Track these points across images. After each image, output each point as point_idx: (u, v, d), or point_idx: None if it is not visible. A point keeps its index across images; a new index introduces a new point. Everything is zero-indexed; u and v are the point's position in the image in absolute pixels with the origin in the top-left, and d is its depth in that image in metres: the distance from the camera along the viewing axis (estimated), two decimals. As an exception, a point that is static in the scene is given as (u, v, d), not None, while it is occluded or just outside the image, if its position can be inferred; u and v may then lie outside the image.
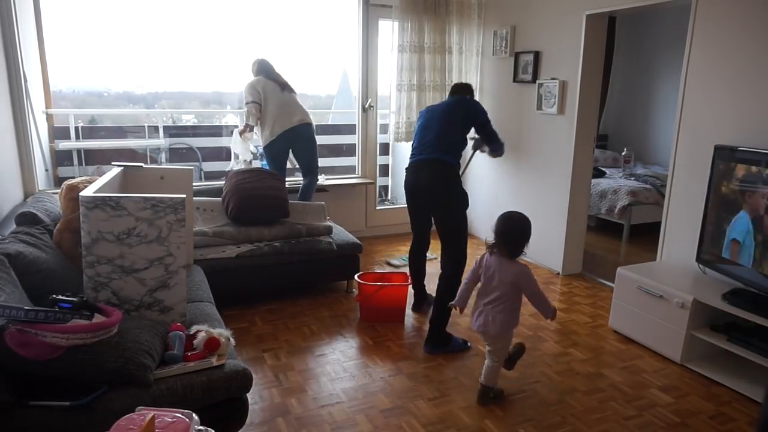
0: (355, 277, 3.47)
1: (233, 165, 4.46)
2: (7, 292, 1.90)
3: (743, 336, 2.67)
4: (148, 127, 5.03)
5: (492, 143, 3.34)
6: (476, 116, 3.24)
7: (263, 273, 3.50)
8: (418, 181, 3.15)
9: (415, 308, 3.58)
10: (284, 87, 4.13)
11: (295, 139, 4.15)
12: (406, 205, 3.44)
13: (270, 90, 4.08)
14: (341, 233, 3.94)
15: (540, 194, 4.44)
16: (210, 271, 3.19)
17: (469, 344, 3.09)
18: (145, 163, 4.11)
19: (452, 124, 3.14)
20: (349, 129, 5.48)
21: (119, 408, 1.68)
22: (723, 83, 3.03)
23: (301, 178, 4.42)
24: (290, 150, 4.24)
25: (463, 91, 3.41)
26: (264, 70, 4.13)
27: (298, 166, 4.37)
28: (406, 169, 3.27)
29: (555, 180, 4.26)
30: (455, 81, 4.97)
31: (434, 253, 4.00)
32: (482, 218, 5.21)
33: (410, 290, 3.54)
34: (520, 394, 2.62)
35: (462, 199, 3.12)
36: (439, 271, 3.13)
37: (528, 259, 4.61)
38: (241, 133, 4.22)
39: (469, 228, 5.42)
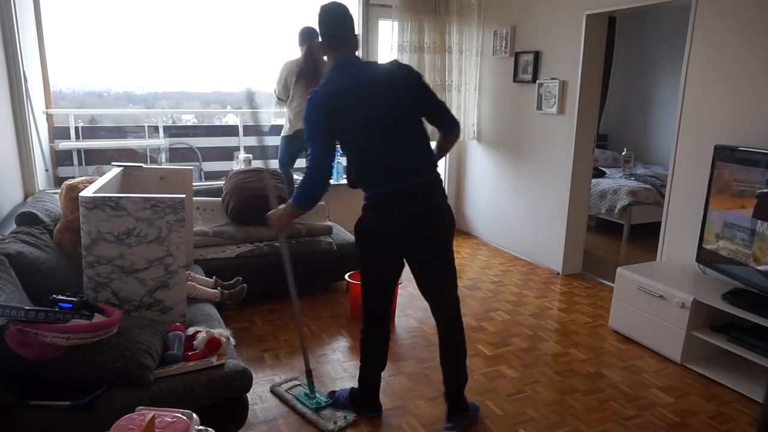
0: (346, 276, 3.47)
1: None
2: (7, 292, 1.91)
3: (743, 336, 2.67)
4: (148, 127, 5.02)
5: (450, 123, 2.27)
6: (423, 82, 2.20)
7: (263, 273, 3.50)
8: (404, 219, 2.14)
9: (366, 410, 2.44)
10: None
11: None
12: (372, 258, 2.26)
13: (299, 87, 4.02)
14: (341, 233, 3.94)
15: (540, 194, 4.44)
16: (210, 271, 3.18)
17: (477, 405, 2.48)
18: (145, 163, 4.11)
19: (412, 105, 2.15)
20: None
21: (119, 408, 1.68)
22: (723, 83, 3.03)
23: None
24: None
25: (351, 37, 2.13)
26: (309, 52, 3.97)
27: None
28: (373, 204, 2.16)
29: (555, 180, 4.26)
30: (455, 81, 4.98)
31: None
32: (482, 218, 5.21)
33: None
34: (520, 394, 2.62)
35: (454, 224, 2.31)
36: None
37: (528, 259, 4.61)
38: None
39: (470, 228, 5.43)
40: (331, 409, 2.41)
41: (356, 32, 2.16)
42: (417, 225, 2.14)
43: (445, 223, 2.21)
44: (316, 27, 2.15)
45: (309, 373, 2.47)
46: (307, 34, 4.02)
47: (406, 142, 2.12)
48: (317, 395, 2.48)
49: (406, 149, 2.12)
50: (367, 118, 2.08)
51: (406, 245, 2.20)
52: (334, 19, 2.10)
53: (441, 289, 2.30)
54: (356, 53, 2.17)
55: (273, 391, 2.57)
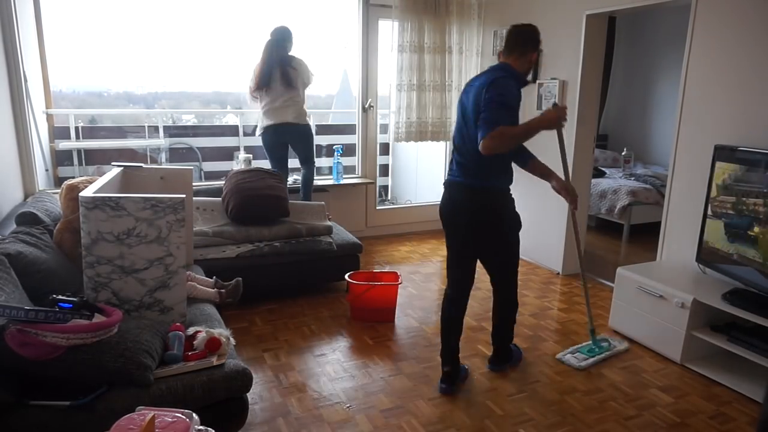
0: (346, 276, 3.47)
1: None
2: (7, 292, 1.90)
3: (743, 336, 2.67)
4: (148, 127, 5.03)
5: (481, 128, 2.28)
6: (483, 97, 2.30)
7: (263, 273, 3.50)
8: (455, 204, 2.54)
9: (445, 389, 2.62)
10: (287, 84, 4.07)
11: (287, 133, 4.15)
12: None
13: (271, 81, 4.06)
14: (341, 233, 3.94)
15: (540, 194, 4.43)
16: (210, 271, 3.18)
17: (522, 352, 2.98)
18: (145, 163, 4.11)
19: (472, 124, 2.40)
20: (349, 129, 5.48)
21: (119, 408, 1.68)
22: (723, 83, 3.03)
23: (300, 177, 4.43)
24: (288, 144, 4.23)
25: (511, 47, 2.49)
26: (274, 47, 4.05)
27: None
28: (444, 183, 2.63)
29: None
30: (455, 81, 4.98)
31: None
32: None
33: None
34: (520, 394, 2.62)
35: (514, 225, 2.66)
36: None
37: (528, 259, 4.61)
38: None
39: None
40: (607, 343, 3.08)
41: (518, 45, 2.50)
42: (454, 211, 2.54)
43: (478, 217, 2.49)
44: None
45: (593, 332, 3.02)
46: (273, 34, 4.06)
47: (466, 147, 2.45)
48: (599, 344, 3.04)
49: (463, 153, 2.48)
50: (458, 119, 2.53)
51: (455, 224, 2.57)
52: (508, 32, 2.58)
53: (491, 268, 2.73)
54: (507, 62, 2.49)
55: (560, 359, 2.95)
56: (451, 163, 2.60)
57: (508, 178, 2.59)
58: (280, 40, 4.08)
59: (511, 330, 2.86)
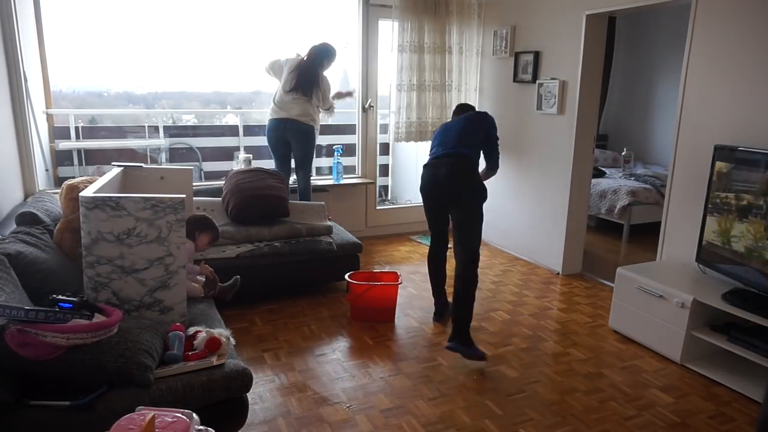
0: (346, 276, 3.47)
1: None
2: (7, 292, 1.90)
3: (743, 336, 2.67)
4: (148, 127, 5.02)
5: (491, 161, 3.30)
6: (490, 126, 3.22)
7: (263, 273, 3.50)
8: (438, 176, 3.08)
9: (437, 318, 3.43)
10: (302, 92, 4.07)
11: (288, 130, 4.13)
12: (419, 204, 3.43)
13: (288, 79, 4.08)
14: (341, 233, 3.94)
15: (540, 194, 4.44)
16: (210, 271, 3.18)
17: (486, 357, 2.91)
18: (145, 163, 4.11)
19: (474, 130, 3.17)
20: (349, 129, 5.48)
21: (119, 408, 1.68)
22: (723, 83, 3.03)
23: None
24: (289, 143, 4.22)
25: (470, 108, 3.45)
26: (313, 57, 4.11)
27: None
28: (425, 166, 3.20)
29: (555, 180, 4.26)
30: (455, 81, 5.00)
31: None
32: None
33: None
34: (520, 394, 2.62)
35: (481, 193, 3.08)
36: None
37: (528, 259, 4.62)
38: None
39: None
40: None
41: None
42: (436, 178, 3.09)
43: (455, 176, 3.02)
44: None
45: None
46: (318, 45, 4.11)
47: (451, 134, 3.17)
48: None
49: (448, 138, 3.15)
50: (446, 128, 3.32)
51: (436, 186, 3.12)
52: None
53: (456, 233, 3.06)
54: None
55: None
56: (432, 150, 3.19)
57: (477, 160, 3.21)
58: (321, 51, 4.10)
59: (469, 309, 2.94)
